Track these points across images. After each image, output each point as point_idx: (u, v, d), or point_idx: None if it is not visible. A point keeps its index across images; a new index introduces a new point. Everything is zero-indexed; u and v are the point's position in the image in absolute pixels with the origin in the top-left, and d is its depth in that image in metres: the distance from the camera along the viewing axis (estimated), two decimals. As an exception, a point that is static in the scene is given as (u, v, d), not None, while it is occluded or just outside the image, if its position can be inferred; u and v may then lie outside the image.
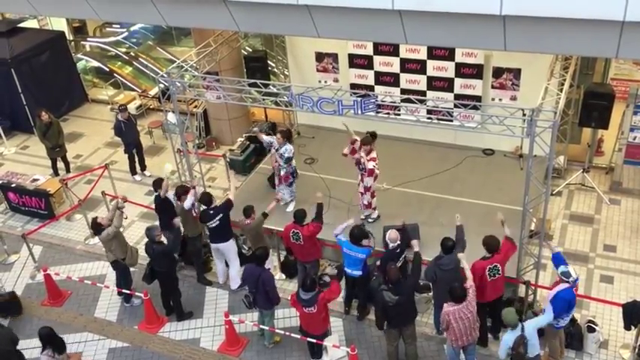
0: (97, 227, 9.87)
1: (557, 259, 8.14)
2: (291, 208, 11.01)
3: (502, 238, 8.52)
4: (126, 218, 10.04)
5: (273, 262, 10.38)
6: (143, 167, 13.87)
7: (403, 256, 9.00)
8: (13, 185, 12.83)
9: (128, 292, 10.33)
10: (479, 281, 8.24)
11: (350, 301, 9.85)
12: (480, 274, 8.28)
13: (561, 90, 8.72)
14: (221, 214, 9.84)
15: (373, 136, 10.38)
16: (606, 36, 6.98)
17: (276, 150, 10.92)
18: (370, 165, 10.12)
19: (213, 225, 9.92)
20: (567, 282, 7.85)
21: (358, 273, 9.21)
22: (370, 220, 10.76)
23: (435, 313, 9.28)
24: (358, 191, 10.62)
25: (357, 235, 9.05)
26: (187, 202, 10.04)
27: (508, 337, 7.51)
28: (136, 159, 13.72)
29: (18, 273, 11.56)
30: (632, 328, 8.41)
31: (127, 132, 13.18)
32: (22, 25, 16.84)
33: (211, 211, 9.88)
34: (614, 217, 11.35)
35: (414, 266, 8.61)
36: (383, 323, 8.48)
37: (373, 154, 10.21)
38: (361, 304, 9.78)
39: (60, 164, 14.10)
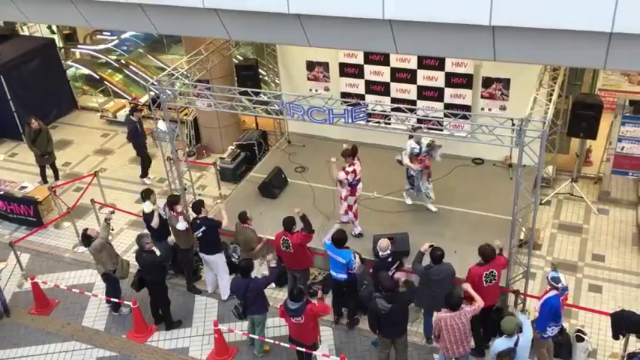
0: (86, 239, 9.81)
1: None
2: (434, 207, 11.20)
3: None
4: (112, 230, 9.97)
5: (261, 271, 10.36)
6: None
7: (395, 266, 8.98)
8: (1, 192, 12.72)
9: (117, 300, 10.25)
10: (475, 287, 8.26)
11: (339, 310, 9.82)
12: (476, 280, 8.30)
13: (550, 100, 8.80)
14: (204, 228, 9.84)
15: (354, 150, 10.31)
16: (594, 47, 7.05)
17: (420, 150, 10.59)
18: (341, 175, 10.08)
19: (198, 235, 9.95)
20: (556, 288, 7.89)
21: (343, 276, 9.18)
22: (353, 233, 10.65)
23: (425, 322, 9.27)
24: (341, 194, 10.56)
25: (338, 238, 9.05)
26: (180, 225, 10.02)
27: (500, 343, 7.51)
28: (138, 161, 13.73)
29: (5, 281, 11.43)
30: (621, 337, 8.44)
31: (141, 133, 13.13)
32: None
33: (198, 221, 9.88)
34: (602, 227, 11.42)
35: (410, 288, 8.67)
36: (376, 328, 8.48)
37: (350, 168, 10.09)
38: (351, 313, 9.76)
39: (49, 172, 14.02)
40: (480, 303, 7.94)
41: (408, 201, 11.42)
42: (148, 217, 10.30)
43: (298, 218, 9.50)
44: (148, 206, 10.27)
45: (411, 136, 10.38)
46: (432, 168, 10.95)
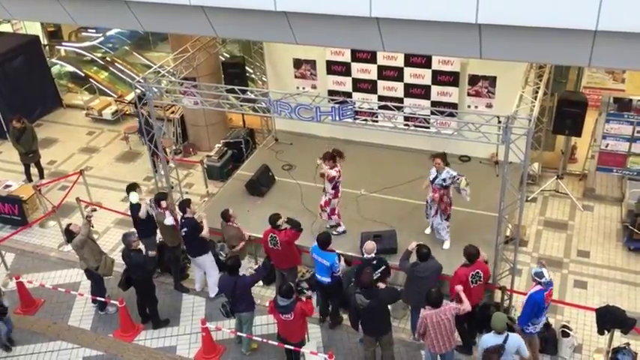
0: (69, 234, 9.82)
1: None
2: (447, 246, 10.20)
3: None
4: (93, 227, 9.92)
5: (249, 267, 10.37)
6: None
7: (380, 270, 8.86)
8: (-15, 191, 12.60)
9: (103, 299, 10.20)
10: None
11: (325, 310, 9.82)
12: (463, 280, 8.35)
13: (536, 98, 8.85)
14: (186, 229, 9.81)
15: (338, 154, 10.21)
16: (579, 45, 7.10)
17: (434, 179, 9.80)
18: (333, 172, 10.04)
19: (183, 234, 9.93)
20: (540, 283, 7.95)
21: (327, 280, 9.19)
22: (335, 233, 10.63)
23: (412, 319, 9.31)
24: (321, 202, 10.55)
25: (323, 239, 9.05)
26: (168, 220, 9.98)
27: (489, 339, 7.54)
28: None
29: (-10, 281, 11.35)
30: (606, 332, 8.53)
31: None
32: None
33: (183, 220, 9.86)
34: (587, 223, 11.52)
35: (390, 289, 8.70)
36: (357, 324, 8.52)
37: (335, 170, 10.08)
38: (334, 311, 9.77)
39: (33, 170, 13.89)
40: (466, 307, 7.97)
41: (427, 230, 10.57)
42: (134, 208, 10.24)
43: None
44: (134, 197, 10.22)
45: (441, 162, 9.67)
46: (417, 164, 10.91)
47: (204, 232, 9.85)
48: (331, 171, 10.07)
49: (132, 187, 10.36)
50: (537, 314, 8.12)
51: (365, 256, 8.87)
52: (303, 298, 8.38)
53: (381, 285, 8.58)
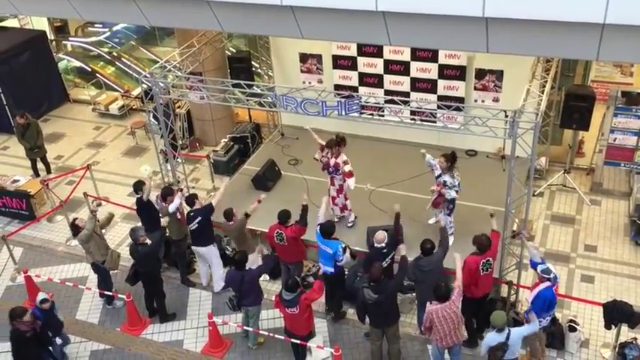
0: (75, 229, 9.86)
1: (534, 264, 8.24)
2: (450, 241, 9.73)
3: (490, 233, 8.67)
4: (98, 221, 9.96)
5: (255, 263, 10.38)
6: None
7: (390, 257, 8.96)
8: (-7, 186, 12.66)
9: (110, 293, 10.24)
10: (472, 276, 8.32)
11: (332, 300, 9.83)
12: (474, 268, 8.34)
13: (543, 92, 8.81)
14: (199, 218, 9.81)
15: (342, 140, 10.22)
16: (587, 38, 7.07)
17: (438, 175, 9.76)
18: (347, 168, 10.07)
19: (192, 228, 9.91)
20: (549, 279, 7.93)
21: (330, 269, 9.20)
22: (349, 224, 10.71)
23: (418, 313, 9.31)
24: (330, 196, 10.54)
25: (326, 228, 9.08)
26: (172, 206, 9.98)
27: (492, 337, 7.55)
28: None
29: (-2, 275, 11.42)
30: (613, 327, 8.51)
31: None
32: (2, 24, 16.71)
33: (192, 214, 9.86)
34: (594, 218, 11.48)
35: (400, 269, 8.64)
36: (363, 317, 8.53)
37: (343, 157, 10.10)
38: (337, 306, 9.78)
39: (40, 165, 13.95)
40: (459, 281, 7.98)
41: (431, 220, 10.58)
42: (140, 204, 10.25)
43: (301, 207, 9.47)
44: (145, 170, 10.22)
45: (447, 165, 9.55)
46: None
47: (217, 199, 10.05)
48: (346, 166, 10.04)
49: (138, 186, 10.34)
50: (548, 309, 8.11)
51: (375, 245, 8.87)
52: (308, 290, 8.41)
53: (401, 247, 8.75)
